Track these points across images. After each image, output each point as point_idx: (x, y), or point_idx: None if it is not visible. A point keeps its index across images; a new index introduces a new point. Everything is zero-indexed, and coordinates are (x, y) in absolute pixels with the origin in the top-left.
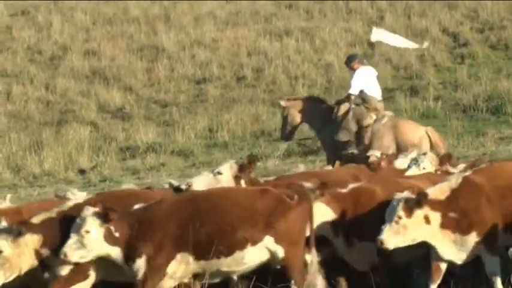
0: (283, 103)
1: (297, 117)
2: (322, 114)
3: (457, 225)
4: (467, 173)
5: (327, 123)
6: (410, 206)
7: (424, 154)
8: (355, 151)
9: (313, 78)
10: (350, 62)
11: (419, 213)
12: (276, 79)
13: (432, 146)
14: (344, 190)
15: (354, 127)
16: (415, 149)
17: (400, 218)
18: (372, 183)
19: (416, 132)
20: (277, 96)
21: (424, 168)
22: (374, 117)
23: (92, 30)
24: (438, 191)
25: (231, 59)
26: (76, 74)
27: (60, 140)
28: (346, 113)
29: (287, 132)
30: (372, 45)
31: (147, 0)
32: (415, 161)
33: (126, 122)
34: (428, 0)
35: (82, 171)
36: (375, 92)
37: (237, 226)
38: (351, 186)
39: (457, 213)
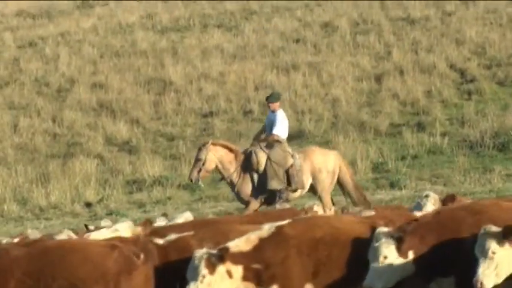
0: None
1: (213, 164)
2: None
3: (259, 277)
4: (282, 223)
5: (244, 172)
6: (213, 262)
7: (427, 196)
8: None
9: (320, 113)
10: (276, 100)
11: (221, 269)
12: None
13: (341, 171)
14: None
15: (280, 172)
16: (330, 175)
17: (204, 276)
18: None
19: (328, 158)
20: None
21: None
22: (292, 158)
23: (100, 63)
24: (244, 242)
25: (238, 93)
26: (83, 106)
27: (66, 173)
28: (268, 160)
29: (199, 174)
30: (379, 79)
31: (155, 33)
32: (419, 205)
33: (132, 155)
34: (436, 35)
35: (88, 204)
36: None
37: (89, 285)
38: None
39: (261, 265)
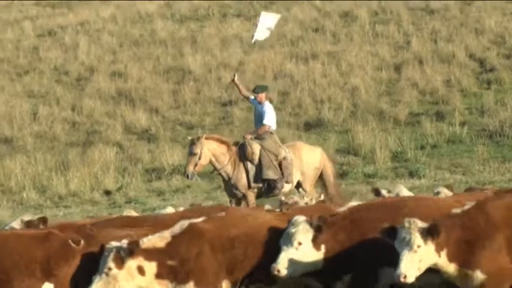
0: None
1: (208, 157)
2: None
3: (175, 274)
4: (197, 220)
5: (238, 164)
6: (122, 257)
7: (438, 193)
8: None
9: (339, 102)
10: (262, 90)
11: (131, 264)
12: (302, 102)
13: (325, 167)
14: None
15: (275, 163)
16: (316, 171)
17: (110, 269)
18: None
19: (316, 154)
20: (303, 119)
21: None
22: (284, 151)
23: (119, 52)
24: (158, 239)
25: (257, 82)
26: (102, 95)
27: (86, 161)
28: (262, 150)
29: (195, 169)
30: (398, 69)
31: (174, 22)
32: None
33: (151, 144)
34: (455, 25)
35: (107, 192)
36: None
37: (13, 275)
38: None
39: (175, 262)
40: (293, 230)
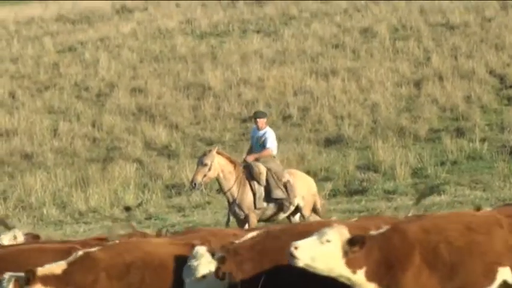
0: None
1: (217, 172)
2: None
3: None
4: (91, 249)
5: (244, 184)
6: (21, 284)
7: None
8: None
9: (359, 118)
10: (264, 116)
11: None
12: (322, 118)
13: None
14: None
15: (280, 184)
16: (313, 197)
17: None
18: None
19: (311, 182)
20: (323, 135)
21: None
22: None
23: (139, 68)
24: (55, 266)
25: (277, 98)
26: (122, 111)
27: (106, 177)
28: (269, 171)
29: (203, 179)
30: (418, 85)
31: (194, 38)
32: None
33: (171, 160)
34: (475, 41)
35: (127, 209)
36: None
37: None
38: None
39: None
40: (195, 263)
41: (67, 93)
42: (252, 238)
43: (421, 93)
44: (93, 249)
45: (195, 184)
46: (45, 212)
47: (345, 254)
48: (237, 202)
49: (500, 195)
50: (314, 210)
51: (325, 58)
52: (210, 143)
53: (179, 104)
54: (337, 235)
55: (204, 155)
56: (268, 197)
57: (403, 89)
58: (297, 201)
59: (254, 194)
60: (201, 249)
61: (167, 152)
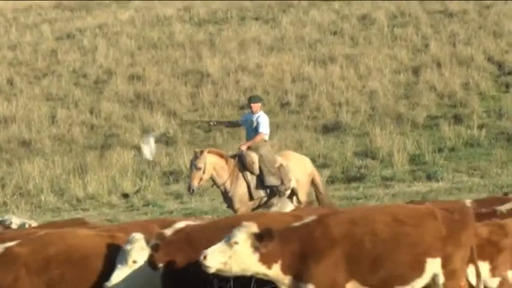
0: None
1: (211, 172)
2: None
3: None
4: (11, 244)
5: (237, 176)
6: None
7: None
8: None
9: (357, 105)
10: (258, 101)
11: None
12: (320, 105)
13: (314, 175)
14: None
15: (273, 170)
16: (308, 177)
17: None
18: None
19: (306, 162)
20: (321, 122)
21: None
22: (279, 158)
23: (137, 55)
24: None
25: (275, 85)
26: (120, 98)
27: (104, 164)
28: (261, 158)
29: (199, 183)
30: (416, 72)
31: (192, 25)
32: None
33: (169, 147)
34: (474, 28)
35: (125, 195)
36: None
37: None
38: None
39: None
40: (128, 248)
41: (65, 80)
42: (182, 230)
43: (419, 80)
44: (12, 244)
45: (193, 190)
46: (43, 199)
47: (256, 249)
48: (229, 195)
49: (497, 182)
50: (315, 188)
51: (323, 45)
52: (208, 130)
53: (177, 91)
54: (244, 235)
55: (196, 157)
56: (262, 185)
57: (401, 76)
58: (292, 184)
59: (248, 185)
60: (137, 235)
61: (165, 139)
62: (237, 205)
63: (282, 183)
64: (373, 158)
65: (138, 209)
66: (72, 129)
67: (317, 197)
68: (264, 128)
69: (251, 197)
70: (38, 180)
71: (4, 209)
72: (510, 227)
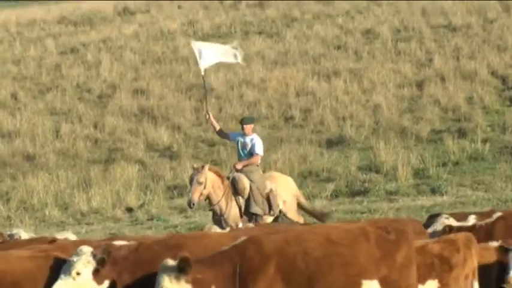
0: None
1: (210, 188)
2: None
3: None
4: None
5: (231, 198)
6: None
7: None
8: None
9: (361, 119)
10: (251, 122)
11: None
12: (324, 120)
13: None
14: None
15: (260, 198)
16: (295, 198)
17: None
18: None
19: (290, 182)
20: (325, 136)
21: None
22: (268, 182)
23: (141, 69)
24: None
25: (279, 99)
26: (124, 112)
27: (108, 178)
28: (252, 185)
29: (199, 198)
30: (420, 86)
31: (196, 40)
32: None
33: (173, 161)
34: (477, 42)
35: (129, 210)
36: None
37: None
38: None
39: None
40: (74, 259)
41: (69, 95)
42: (127, 248)
43: (423, 94)
44: None
45: (193, 204)
46: (47, 213)
47: (187, 281)
48: (224, 216)
49: (502, 196)
50: (301, 208)
51: (327, 59)
52: (212, 144)
53: (181, 106)
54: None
55: (198, 172)
56: (247, 211)
57: (405, 90)
58: (280, 207)
59: (240, 209)
60: (85, 248)
61: (169, 153)
62: (231, 224)
63: (271, 209)
64: (377, 172)
65: (142, 223)
66: (77, 143)
67: (310, 213)
68: (260, 150)
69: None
70: (42, 195)
71: (8, 223)
72: (462, 242)
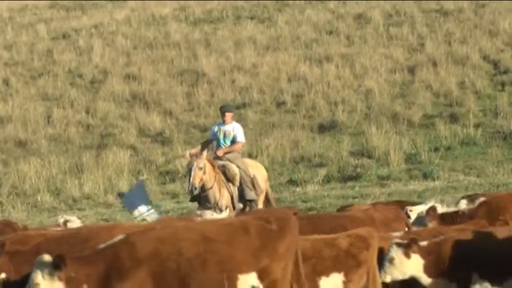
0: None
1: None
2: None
3: None
4: None
5: (222, 185)
6: None
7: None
8: None
9: (353, 104)
10: (231, 110)
11: None
12: (316, 105)
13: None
14: None
15: (250, 183)
16: (267, 183)
17: None
18: None
19: (262, 168)
20: (317, 121)
21: None
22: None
23: (133, 55)
24: None
25: (271, 84)
26: (116, 97)
27: (100, 164)
28: (241, 172)
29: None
30: (412, 71)
31: (188, 25)
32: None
33: (165, 146)
34: (469, 27)
35: (121, 195)
36: None
37: None
38: None
39: None
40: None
41: (61, 80)
42: (34, 242)
43: (415, 79)
44: None
45: (195, 188)
46: (39, 198)
47: (59, 278)
48: (214, 204)
49: (493, 180)
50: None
51: (319, 44)
52: (204, 129)
53: (173, 91)
54: (39, 268)
55: (198, 158)
56: (242, 198)
57: (397, 75)
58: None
59: (232, 196)
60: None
61: (161, 139)
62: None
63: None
64: (369, 157)
65: None
66: (68, 129)
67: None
68: (242, 137)
69: (233, 208)
70: (34, 180)
71: (0, 209)
72: (373, 239)
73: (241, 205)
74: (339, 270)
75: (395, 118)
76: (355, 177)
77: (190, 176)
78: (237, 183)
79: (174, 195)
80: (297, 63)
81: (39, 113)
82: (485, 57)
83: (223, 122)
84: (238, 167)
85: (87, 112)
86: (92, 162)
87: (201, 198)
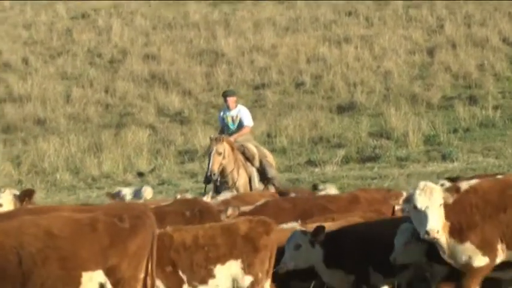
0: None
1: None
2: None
3: None
4: None
5: (240, 167)
6: None
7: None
8: None
9: (372, 85)
10: (232, 95)
11: None
12: (335, 86)
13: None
14: None
15: (270, 162)
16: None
17: None
18: None
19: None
20: (335, 102)
21: None
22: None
23: (152, 35)
24: None
25: (290, 65)
26: (135, 77)
27: (119, 143)
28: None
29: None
30: (431, 52)
31: (207, 5)
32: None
33: (184, 126)
34: (489, 9)
35: (140, 174)
36: None
37: None
38: None
39: None
40: None
41: (80, 60)
42: None
43: (434, 61)
44: None
45: (214, 174)
46: (58, 177)
47: None
48: (236, 185)
49: (511, 162)
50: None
51: (338, 26)
52: None
53: (192, 71)
54: None
55: (217, 142)
56: (264, 177)
57: (416, 56)
58: None
59: (250, 177)
60: None
61: (180, 118)
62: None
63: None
64: (387, 138)
65: (153, 188)
66: (87, 108)
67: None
68: (249, 121)
69: (250, 189)
70: (53, 159)
71: (20, 187)
72: (273, 224)
73: (260, 185)
74: (236, 257)
75: (414, 99)
76: (374, 158)
77: (209, 161)
78: (257, 163)
79: (193, 175)
80: (316, 44)
81: (59, 92)
82: (504, 40)
83: (228, 108)
84: (256, 148)
85: (106, 91)
86: (111, 141)
87: (220, 182)
